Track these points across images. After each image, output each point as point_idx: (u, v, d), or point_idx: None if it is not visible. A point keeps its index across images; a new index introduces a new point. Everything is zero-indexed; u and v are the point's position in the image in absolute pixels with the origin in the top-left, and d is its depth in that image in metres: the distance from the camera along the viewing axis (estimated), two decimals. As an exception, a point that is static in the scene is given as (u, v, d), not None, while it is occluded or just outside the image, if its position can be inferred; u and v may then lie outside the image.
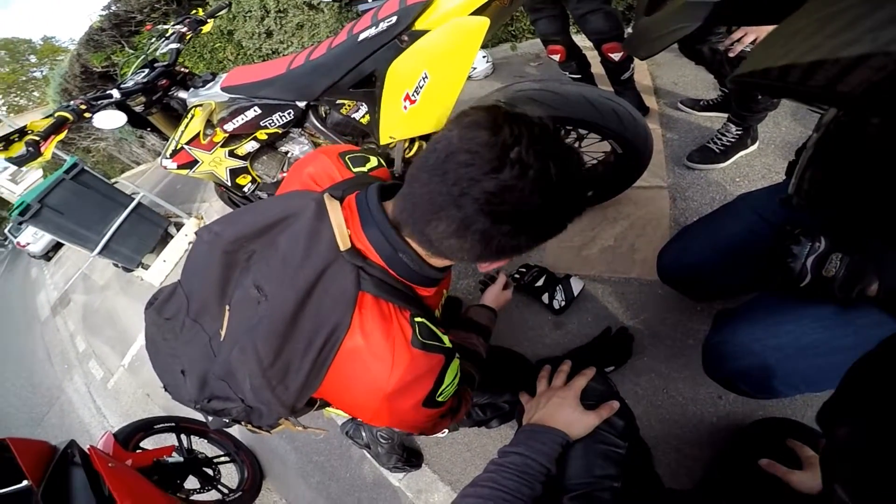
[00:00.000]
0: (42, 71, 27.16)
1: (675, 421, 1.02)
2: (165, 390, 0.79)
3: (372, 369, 0.58)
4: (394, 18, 1.00)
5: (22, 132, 1.24)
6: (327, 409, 0.82)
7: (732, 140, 1.35)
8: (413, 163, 0.54)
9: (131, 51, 5.38)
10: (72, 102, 1.31)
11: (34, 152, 1.17)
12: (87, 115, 1.31)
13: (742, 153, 1.38)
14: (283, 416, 0.66)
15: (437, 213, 0.49)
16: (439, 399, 0.63)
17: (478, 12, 0.96)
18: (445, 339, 0.64)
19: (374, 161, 0.75)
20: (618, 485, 0.65)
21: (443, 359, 0.61)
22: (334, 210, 0.59)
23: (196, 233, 0.69)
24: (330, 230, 0.58)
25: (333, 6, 3.38)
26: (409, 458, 1.32)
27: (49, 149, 1.24)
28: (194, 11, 1.64)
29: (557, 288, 1.31)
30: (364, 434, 1.33)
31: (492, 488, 0.61)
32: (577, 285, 1.31)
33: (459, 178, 0.46)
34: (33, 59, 28.47)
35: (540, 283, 1.35)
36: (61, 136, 1.30)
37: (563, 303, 1.29)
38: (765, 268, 0.73)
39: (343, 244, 0.57)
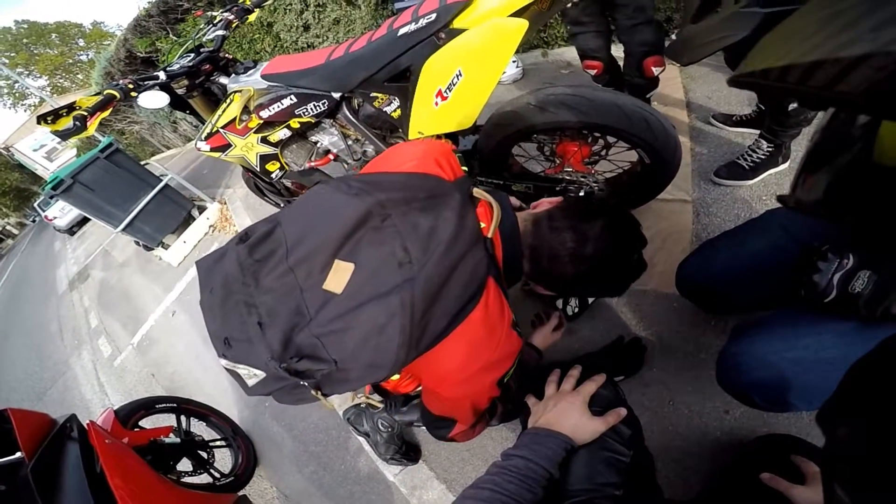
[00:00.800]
0: (88, 54, 28.54)
1: (679, 433, 1.02)
2: (225, 344, 0.70)
3: (485, 339, 0.69)
4: (433, 15, 1.04)
5: (70, 107, 1.31)
6: (326, 399, 0.77)
7: (763, 157, 1.35)
8: (552, 223, 0.75)
9: (175, 38, 5.64)
10: (120, 82, 1.38)
11: (80, 126, 1.25)
12: (133, 94, 1.39)
13: (772, 171, 1.37)
14: (379, 380, 0.73)
15: (550, 259, 0.73)
16: (506, 381, 0.74)
17: (517, 14, 0.99)
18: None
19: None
20: (619, 493, 0.66)
21: (521, 343, 0.75)
22: (493, 207, 0.74)
23: (328, 183, 0.75)
24: (475, 219, 0.72)
25: (370, 2, 3.49)
26: (408, 452, 1.34)
27: (93, 125, 1.32)
28: (242, 0, 1.71)
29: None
30: (365, 421, 1.35)
31: (493, 490, 0.61)
32: (591, 293, 1.32)
33: (578, 253, 0.71)
34: (81, 42, 29.96)
35: (555, 288, 1.37)
36: (106, 113, 1.38)
37: (576, 309, 1.31)
38: (789, 284, 0.73)
39: (491, 233, 0.72)
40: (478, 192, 0.76)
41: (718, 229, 1.29)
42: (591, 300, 1.31)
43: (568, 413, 0.73)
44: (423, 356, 0.68)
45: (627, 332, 1.22)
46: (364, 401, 0.86)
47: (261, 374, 0.71)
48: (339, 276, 0.64)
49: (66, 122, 1.26)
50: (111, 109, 1.40)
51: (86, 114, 1.25)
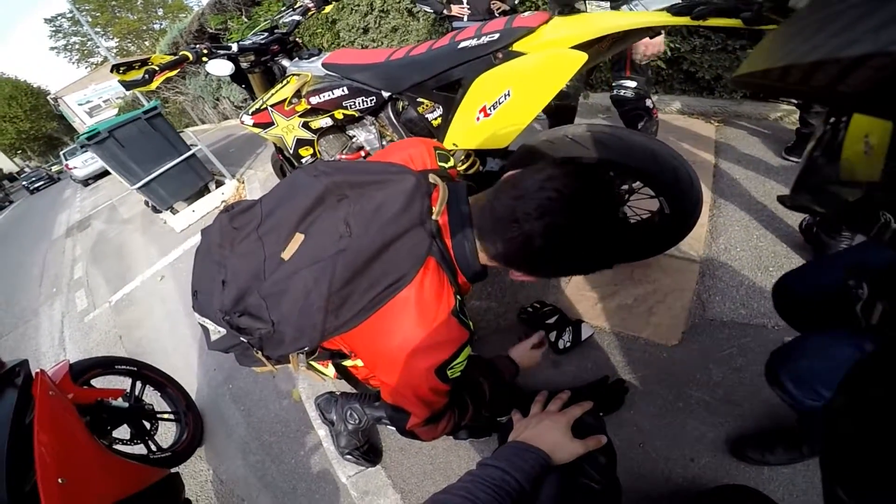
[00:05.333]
0: (162, 24, 30.98)
1: (644, 476, 1.07)
2: (193, 297, 0.90)
3: (416, 319, 0.72)
4: (496, 35, 1.15)
5: (144, 62, 1.49)
6: (270, 362, 0.91)
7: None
8: (502, 189, 0.74)
9: (247, 20, 6.18)
10: (195, 46, 1.58)
11: (147, 80, 1.41)
12: (205, 59, 1.58)
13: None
14: (306, 346, 0.78)
15: (508, 225, 0.69)
16: (449, 372, 0.76)
17: (577, 48, 1.06)
18: (470, 324, 0.80)
19: (451, 161, 0.94)
20: None
21: (466, 335, 0.77)
22: (443, 191, 0.78)
23: (302, 167, 0.86)
24: (424, 201, 0.76)
25: (429, 18, 3.82)
26: (368, 452, 1.35)
27: (158, 80, 1.49)
28: None
29: (567, 329, 1.40)
30: (334, 410, 1.37)
31: (464, 497, 0.62)
32: (586, 331, 1.39)
33: (529, 210, 0.67)
34: (160, 12, 32.60)
35: (551, 320, 1.44)
36: (174, 72, 1.56)
37: (567, 344, 1.37)
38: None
39: (437, 215, 0.76)
40: (433, 177, 0.80)
41: (721, 293, 1.37)
42: (584, 337, 1.38)
43: (550, 431, 0.76)
44: (356, 332, 0.74)
45: (613, 373, 1.28)
46: (303, 372, 0.90)
47: (223, 331, 0.87)
48: (291, 246, 0.77)
49: (136, 75, 1.43)
50: (178, 70, 1.59)
51: (156, 69, 1.42)
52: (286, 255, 0.76)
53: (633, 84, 1.76)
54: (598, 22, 1.06)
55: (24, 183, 23.08)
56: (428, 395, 0.78)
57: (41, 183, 21.94)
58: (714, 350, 1.24)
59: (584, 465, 0.72)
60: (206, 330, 0.93)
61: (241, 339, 0.84)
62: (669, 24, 0.99)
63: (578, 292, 1.57)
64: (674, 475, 1.05)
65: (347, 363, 1.06)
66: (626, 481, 1.01)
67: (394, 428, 1.29)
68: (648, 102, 1.81)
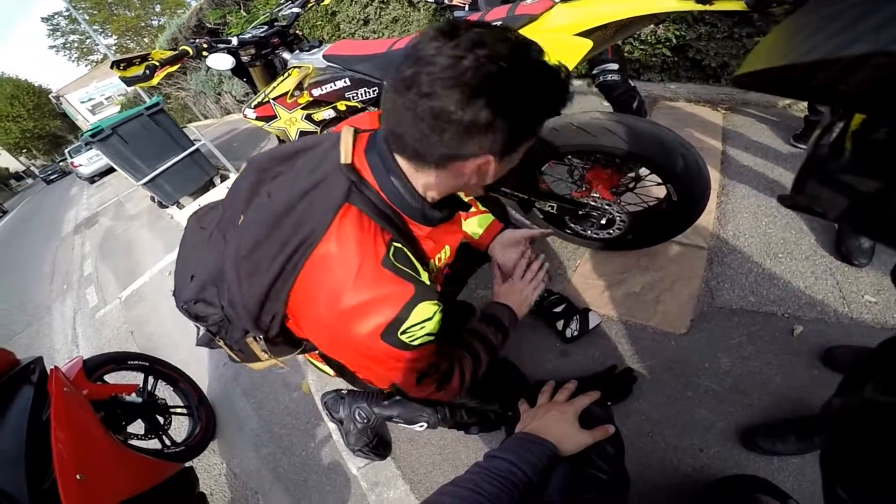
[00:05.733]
0: (160, 20, 31.15)
1: (651, 466, 1.07)
2: (172, 293, 0.91)
3: (336, 276, 0.63)
4: (499, 23, 1.14)
5: (144, 58, 1.48)
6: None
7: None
8: (397, 90, 0.56)
9: (245, 14, 6.16)
10: (195, 40, 1.57)
11: (148, 75, 1.40)
12: (205, 53, 1.57)
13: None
14: (248, 326, 0.73)
15: (398, 103, 0.55)
16: (405, 338, 0.65)
17: (582, 35, 1.06)
18: (424, 275, 0.69)
19: None
20: None
21: (412, 289, 0.64)
22: (346, 133, 0.70)
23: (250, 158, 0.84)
24: (339, 152, 0.67)
25: (430, 7, 3.78)
26: (377, 447, 1.35)
27: (160, 76, 1.48)
28: None
29: (574, 318, 1.40)
30: (342, 409, 1.37)
31: (471, 490, 0.62)
32: (593, 320, 1.39)
33: (419, 77, 0.52)
34: (158, 8, 32.69)
35: (558, 309, 1.44)
36: (174, 67, 1.56)
37: (575, 332, 1.38)
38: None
39: (345, 158, 0.66)
40: (347, 127, 0.73)
41: (730, 280, 1.37)
42: (591, 326, 1.38)
43: (557, 422, 0.75)
44: (293, 305, 0.68)
45: (621, 363, 1.28)
46: (266, 360, 0.85)
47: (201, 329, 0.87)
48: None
49: (137, 70, 1.42)
50: (179, 65, 1.58)
51: (157, 64, 1.42)
52: None
53: (616, 66, 1.78)
54: (603, 9, 1.05)
55: (41, 175, 28.01)
56: (392, 365, 0.69)
57: (55, 175, 26.41)
58: (723, 338, 1.24)
59: (591, 456, 0.72)
60: (197, 327, 0.93)
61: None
62: (674, 10, 0.98)
63: (585, 280, 1.57)
64: (682, 465, 1.05)
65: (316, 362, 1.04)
66: (634, 471, 1.02)
67: (378, 410, 1.29)
68: (632, 83, 1.83)
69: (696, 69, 2.47)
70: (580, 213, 1.47)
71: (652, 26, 2.45)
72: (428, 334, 0.68)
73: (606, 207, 1.41)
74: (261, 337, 0.78)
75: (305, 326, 0.73)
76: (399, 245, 0.66)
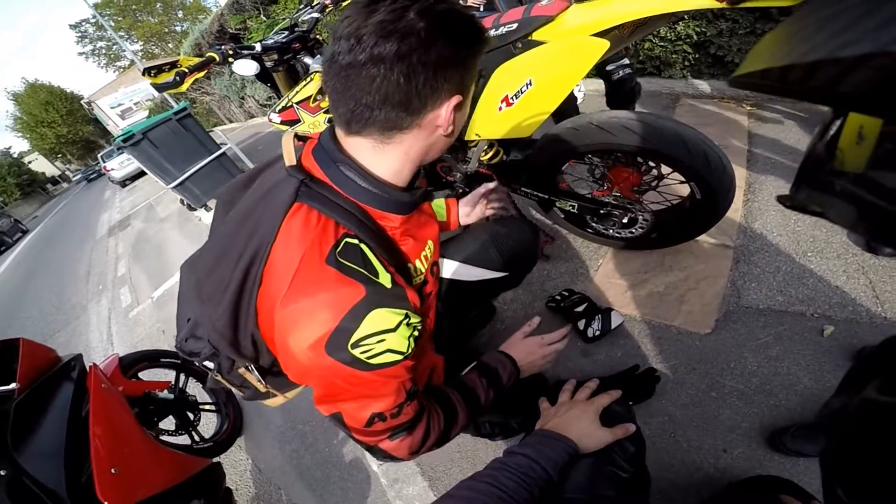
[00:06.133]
0: (183, 26, 32.30)
1: (672, 465, 1.06)
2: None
3: (277, 280, 0.57)
4: (514, 25, 1.16)
5: (173, 64, 1.54)
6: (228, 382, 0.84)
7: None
8: (326, 73, 0.57)
9: (265, 18, 6.31)
10: (221, 47, 1.62)
11: (178, 82, 1.46)
12: (231, 59, 1.63)
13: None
14: (229, 353, 0.68)
15: (358, 89, 0.54)
16: (358, 353, 0.57)
17: (598, 35, 1.06)
18: (385, 277, 0.60)
19: None
20: None
21: (362, 291, 0.56)
22: (286, 138, 0.68)
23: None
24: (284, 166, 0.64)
25: None
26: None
27: (188, 82, 1.54)
28: None
29: (596, 317, 1.39)
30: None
31: (489, 484, 0.63)
32: (616, 319, 1.39)
33: (372, 41, 0.52)
34: (180, 14, 33.90)
35: (580, 309, 1.44)
36: (202, 73, 1.62)
37: (597, 332, 1.37)
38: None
39: (288, 161, 0.65)
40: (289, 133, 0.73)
41: (756, 279, 1.34)
42: (614, 326, 1.38)
43: (578, 420, 0.75)
44: (260, 322, 0.63)
45: (644, 363, 1.28)
46: (261, 389, 0.81)
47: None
48: None
49: (167, 77, 1.47)
50: (206, 71, 1.65)
51: (186, 71, 1.47)
52: None
53: (627, 61, 1.87)
54: (619, 8, 1.04)
55: (83, 175, 34.46)
56: (339, 385, 0.61)
57: (94, 175, 31.73)
58: (749, 338, 1.22)
59: (612, 454, 0.71)
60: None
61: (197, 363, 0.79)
62: (693, 8, 0.96)
63: (608, 280, 1.56)
64: (705, 465, 1.04)
65: None
66: (655, 470, 1.02)
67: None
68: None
69: (719, 65, 2.41)
70: (601, 212, 1.46)
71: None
72: (391, 351, 0.59)
73: (628, 206, 1.41)
74: (251, 366, 0.74)
75: (273, 346, 0.66)
76: (354, 241, 0.60)
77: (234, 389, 0.83)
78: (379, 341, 0.57)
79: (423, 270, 0.78)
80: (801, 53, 0.31)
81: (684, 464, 1.06)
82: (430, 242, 0.80)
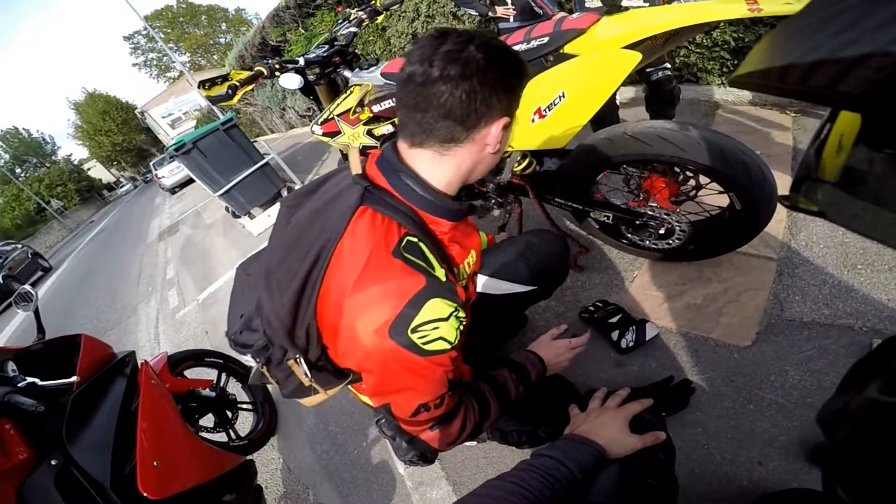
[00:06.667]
0: (227, 38, 34.27)
1: (705, 477, 1.05)
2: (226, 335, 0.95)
3: (346, 270, 0.66)
4: (545, 38, 1.18)
5: (225, 78, 1.64)
6: (356, 392, 0.92)
7: None
8: (401, 92, 0.68)
9: (303, 31, 6.58)
10: (268, 61, 1.72)
11: (231, 95, 1.56)
12: (277, 73, 1.72)
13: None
14: (284, 342, 0.74)
15: (426, 104, 0.64)
16: (416, 338, 0.64)
17: (630, 47, 1.07)
18: (440, 272, 0.69)
19: None
20: None
21: (423, 281, 0.65)
22: (352, 152, 0.80)
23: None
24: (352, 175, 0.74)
25: (475, 20, 3.85)
26: (425, 453, 1.41)
27: (238, 96, 1.65)
28: (373, 1, 2.00)
29: (630, 328, 1.38)
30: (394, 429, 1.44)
31: (515, 484, 0.64)
32: (651, 331, 1.38)
33: (441, 65, 0.62)
34: (224, 26, 35.93)
35: (614, 320, 1.44)
36: (251, 87, 1.72)
37: (631, 343, 1.36)
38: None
39: (355, 170, 0.75)
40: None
41: (801, 293, 1.30)
42: (648, 337, 1.37)
43: (607, 426, 0.76)
44: (322, 315, 0.71)
45: (679, 374, 1.26)
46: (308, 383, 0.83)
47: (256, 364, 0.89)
48: None
49: (220, 90, 1.58)
50: (256, 84, 1.76)
51: (237, 84, 1.57)
52: None
53: (669, 65, 1.93)
54: (651, 20, 1.05)
55: (141, 178, 39.61)
56: (397, 370, 0.68)
57: (150, 177, 36.23)
58: (791, 352, 1.18)
59: (641, 461, 0.72)
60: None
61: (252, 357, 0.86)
62: (724, 19, 0.96)
63: (643, 291, 1.55)
64: (738, 478, 1.02)
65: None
66: (687, 481, 1.01)
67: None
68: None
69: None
70: (637, 223, 1.46)
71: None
72: (443, 339, 0.67)
73: (665, 217, 1.39)
74: (301, 359, 0.79)
75: (329, 337, 0.74)
76: (414, 239, 0.69)
77: (275, 385, 0.89)
78: (434, 328, 0.65)
79: (466, 276, 0.84)
80: (801, 53, 0.32)
81: (717, 476, 1.04)
82: (473, 252, 0.86)
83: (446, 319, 0.66)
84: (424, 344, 0.65)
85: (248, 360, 0.98)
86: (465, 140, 0.68)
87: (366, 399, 1.08)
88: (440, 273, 0.69)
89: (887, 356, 0.48)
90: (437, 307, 0.65)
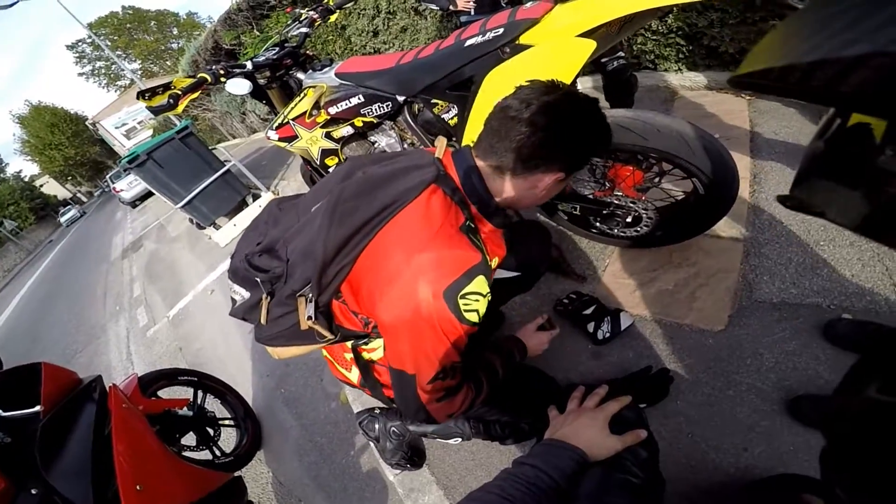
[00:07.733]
0: (179, 43, 32.91)
1: (691, 466, 1.05)
2: (230, 264, 0.99)
3: (417, 232, 0.74)
4: (500, 30, 1.16)
5: (167, 87, 1.54)
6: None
7: None
8: (491, 114, 0.79)
9: (258, 33, 6.34)
10: (212, 67, 1.62)
11: (173, 104, 1.46)
12: (223, 79, 1.62)
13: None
14: (311, 275, 0.79)
15: (509, 127, 0.74)
16: (461, 304, 0.72)
17: (586, 35, 1.05)
18: (486, 256, 0.79)
19: None
20: None
21: (479, 257, 0.75)
22: (441, 141, 0.89)
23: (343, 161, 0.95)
24: (431, 157, 0.84)
25: (436, 15, 3.80)
26: (412, 457, 1.38)
27: (183, 104, 1.54)
28: (325, 1, 1.92)
29: (605, 319, 1.37)
30: (377, 426, 1.41)
31: (498, 495, 0.64)
32: (625, 320, 1.37)
33: (521, 106, 0.74)
34: (175, 31, 34.45)
35: (588, 311, 1.42)
36: (196, 94, 1.62)
37: (607, 334, 1.35)
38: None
39: (439, 153, 0.84)
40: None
41: (768, 272, 1.30)
42: (623, 327, 1.36)
43: (586, 428, 0.76)
44: (360, 266, 0.78)
45: (657, 363, 1.25)
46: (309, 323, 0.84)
47: (246, 295, 0.94)
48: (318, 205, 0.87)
49: (161, 100, 1.49)
50: (200, 92, 1.65)
51: (179, 93, 1.47)
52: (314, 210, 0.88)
53: (623, 53, 1.94)
54: (604, 7, 1.03)
55: (103, 189, 37.84)
56: (436, 331, 0.74)
57: (109, 190, 37.20)
58: (764, 334, 1.19)
59: (624, 460, 0.72)
60: (233, 301, 1.00)
61: (258, 280, 0.88)
62: (678, 3, 0.95)
63: (616, 280, 1.54)
64: (725, 465, 1.02)
65: (366, 353, 1.04)
66: (674, 472, 1.01)
67: (413, 427, 1.32)
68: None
69: (713, 57, 2.37)
70: (605, 212, 1.45)
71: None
72: (477, 312, 0.75)
73: (631, 205, 1.38)
74: (311, 298, 0.83)
75: (366, 290, 0.80)
76: (473, 225, 0.81)
77: (261, 318, 0.90)
78: (476, 300, 0.74)
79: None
80: (801, 53, 0.32)
81: (704, 464, 1.04)
82: (496, 259, 0.94)
83: (484, 296, 0.75)
84: (466, 311, 0.73)
85: (239, 291, 0.96)
86: (518, 174, 0.77)
87: (347, 373, 1.10)
88: (486, 257, 0.78)
89: (886, 356, 0.46)
90: (482, 283, 0.74)
